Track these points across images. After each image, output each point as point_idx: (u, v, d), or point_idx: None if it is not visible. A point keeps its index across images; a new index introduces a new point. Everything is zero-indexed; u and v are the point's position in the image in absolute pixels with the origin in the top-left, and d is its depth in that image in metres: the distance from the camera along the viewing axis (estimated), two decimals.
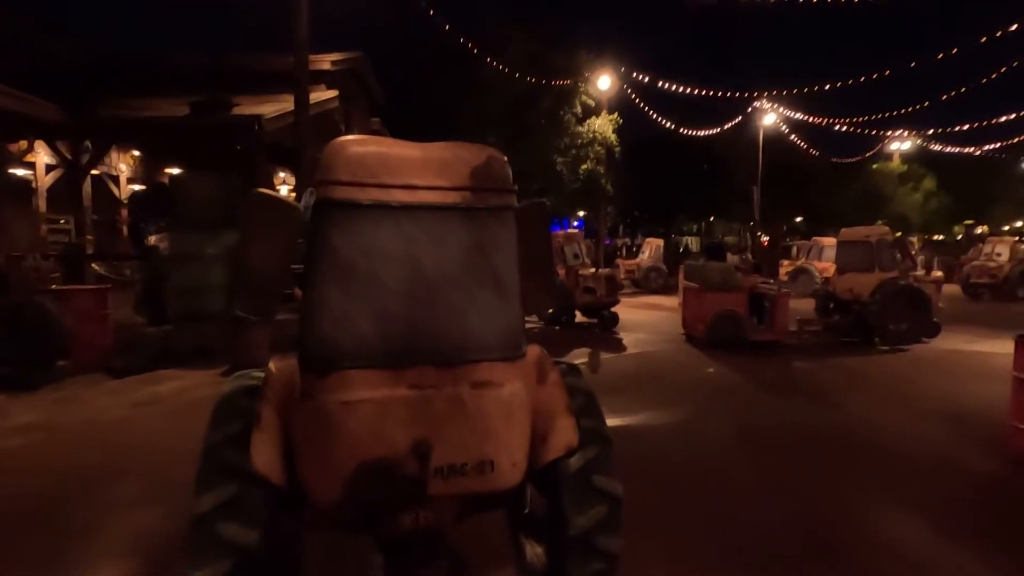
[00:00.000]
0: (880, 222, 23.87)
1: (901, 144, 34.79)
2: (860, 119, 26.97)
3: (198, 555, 1.84)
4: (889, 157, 37.28)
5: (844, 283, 10.83)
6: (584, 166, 20.92)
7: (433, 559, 2.36)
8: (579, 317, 12.23)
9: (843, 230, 11.56)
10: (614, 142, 21.29)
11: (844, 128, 27.42)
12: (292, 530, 2.20)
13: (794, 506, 3.92)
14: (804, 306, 12.29)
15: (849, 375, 8.11)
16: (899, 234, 11.02)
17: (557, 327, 11.88)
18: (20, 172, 12.59)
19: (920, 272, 11.43)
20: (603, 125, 20.96)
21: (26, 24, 14.34)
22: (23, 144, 11.83)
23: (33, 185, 12.45)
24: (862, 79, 19.74)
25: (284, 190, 15.15)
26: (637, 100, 22.33)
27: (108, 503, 3.82)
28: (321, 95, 12.39)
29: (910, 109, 24.16)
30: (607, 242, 24.10)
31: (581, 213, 29.07)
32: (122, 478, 4.21)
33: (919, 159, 37.36)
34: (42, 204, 12.42)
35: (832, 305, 11.25)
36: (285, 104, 10.13)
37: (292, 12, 8.65)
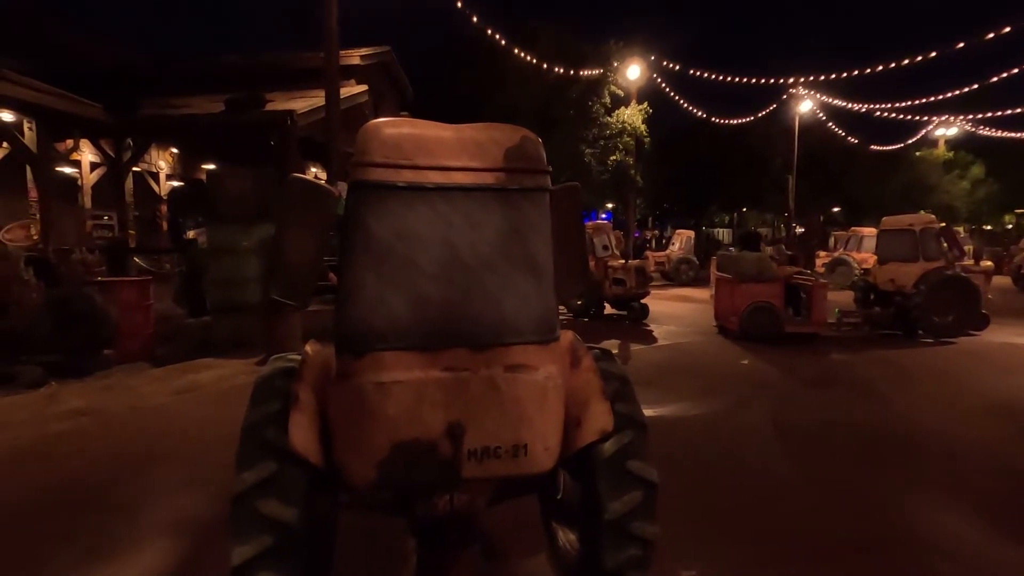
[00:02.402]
0: (923, 211, 22.90)
1: (947, 130, 33.26)
2: (902, 104, 25.82)
3: (240, 531, 1.88)
4: (934, 144, 35.70)
5: (886, 273, 10.45)
6: (613, 157, 20.67)
7: (466, 543, 2.36)
8: (608, 309, 12.12)
9: (885, 218, 11.13)
10: (644, 132, 20.96)
11: (885, 114, 26.32)
12: (327, 511, 2.23)
13: (833, 501, 3.80)
14: (843, 298, 11.92)
15: (891, 368, 7.83)
16: (943, 224, 10.53)
17: (586, 319, 11.80)
18: (67, 170, 13.12)
19: (969, 262, 10.94)
20: (632, 115, 20.64)
21: (72, 28, 14.89)
22: (70, 143, 12.32)
23: (79, 182, 12.96)
24: (905, 62, 18.88)
25: None
26: (668, 89, 21.92)
27: (153, 485, 3.95)
28: (351, 90, 12.54)
29: (957, 93, 23.00)
30: (636, 234, 23.75)
31: (610, 205, 28.77)
32: (165, 461, 4.36)
33: (966, 145, 35.64)
34: (87, 200, 12.94)
35: (873, 296, 10.87)
36: (316, 99, 10.28)
37: (322, 8, 8.75)
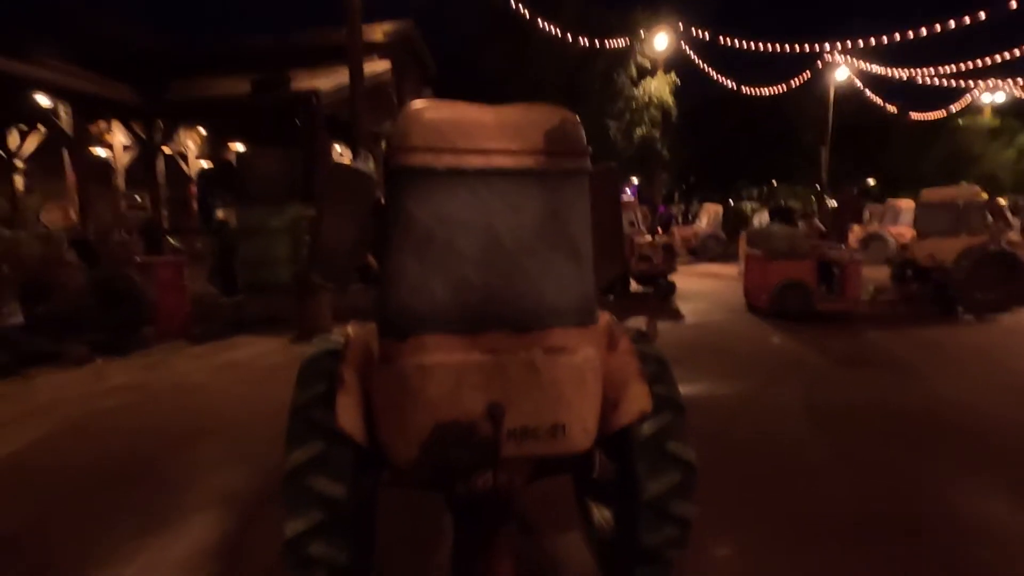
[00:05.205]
0: (965, 183, 22.01)
1: (993, 96, 31.57)
2: (945, 70, 24.52)
3: (292, 506, 1.95)
4: (979, 111, 33.97)
5: (925, 248, 10.10)
6: (639, 131, 20.26)
7: (503, 520, 2.42)
8: (634, 286, 12.02)
9: (925, 191, 10.72)
10: (671, 105, 20.44)
11: (927, 80, 25.08)
12: (370, 488, 2.29)
13: (869, 481, 3.75)
14: (878, 274, 11.59)
15: (929, 347, 7.62)
16: (988, 197, 10.10)
17: (611, 296, 11.73)
18: (101, 152, 13.43)
19: (1016, 236, 10.50)
20: (659, 87, 20.13)
21: (99, 9, 15.06)
22: (103, 125, 12.58)
23: (112, 164, 13.27)
24: (951, 23, 17.88)
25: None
26: (695, 58, 21.23)
27: (197, 459, 4.12)
28: (374, 66, 12.48)
29: (1006, 56, 21.74)
30: (662, 210, 23.34)
31: (635, 180, 28.28)
32: (208, 436, 4.53)
33: (1014, 111, 33.83)
34: (120, 182, 13.26)
35: (910, 273, 10.54)
36: (340, 77, 10.27)
37: None
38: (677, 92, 20.66)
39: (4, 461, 4.16)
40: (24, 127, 12.07)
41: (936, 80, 24.78)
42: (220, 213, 13.37)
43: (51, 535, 3.21)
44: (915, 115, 30.14)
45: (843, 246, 10.90)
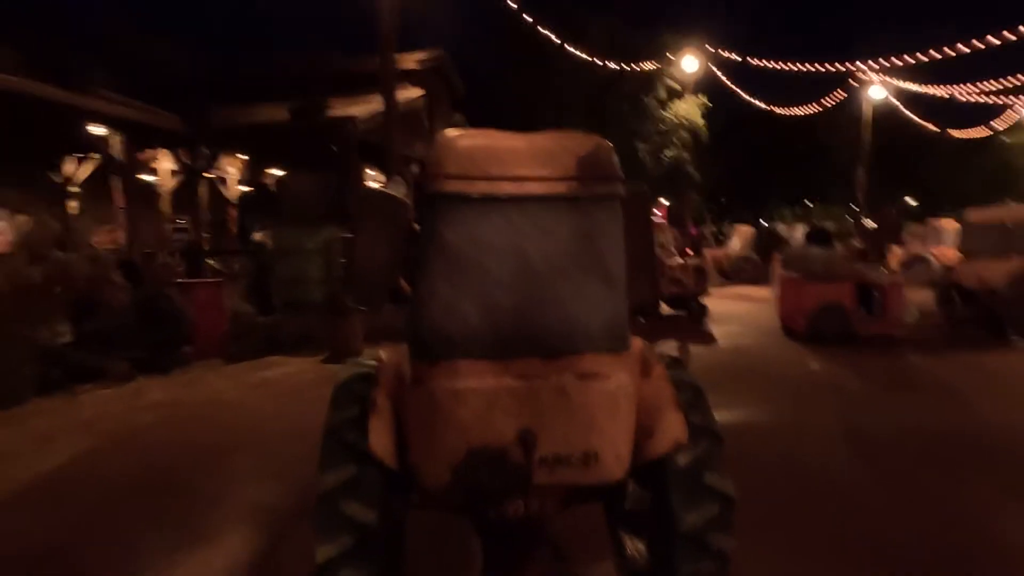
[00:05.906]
0: (1012, 202, 21.10)
1: None
2: (985, 86, 23.71)
3: (323, 530, 1.95)
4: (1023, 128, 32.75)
5: (972, 271, 9.69)
6: (669, 153, 20.20)
7: (533, 547, 2.37)
8: (666, 309, 11.84)
9: (972, 212, 10.34)
10: (702, 128, 20.35)
11: (967, 97, 24.33)
12: (400, 511, 2.28)
13: (914, 509, 3.58)
14: (921, 297, 11.16)
15: (978, 373, 7.26)
16: None
17: (642, 319, 11.56)
18: (148, 178, 14.06)
19: None
20: (690, 110, 20.09)
21: (144, 38, 15.91)
22: (150, 152, 13.20)
23: (158, 189, 13.88)
24: (991, 39, 17.38)
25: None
26: (725, 78, 21.14)
27: (231, 474, 4.18)
28: (407, 94, 12.83)
29: None
30: (693, 231, 23.07)
31: (665, 202, 28.12)
32: (242, 452, 4.60)
33: None
34: (166, 206, 13.83)
35: (956, 296, 10.11)
36: (375, 103, 10.58)
37: (378, 15, 8.97)
38: (707, 113, 20.58)
39: (48, 475, 4.30)
40: (79, 155, 12.75)
41: (976, 97, 24.03)
42: (258, 235, 13.78)
43: (89, 547, 3.28)
44: (955, 133, 29.25)
45: (883, 268, 10.56)
